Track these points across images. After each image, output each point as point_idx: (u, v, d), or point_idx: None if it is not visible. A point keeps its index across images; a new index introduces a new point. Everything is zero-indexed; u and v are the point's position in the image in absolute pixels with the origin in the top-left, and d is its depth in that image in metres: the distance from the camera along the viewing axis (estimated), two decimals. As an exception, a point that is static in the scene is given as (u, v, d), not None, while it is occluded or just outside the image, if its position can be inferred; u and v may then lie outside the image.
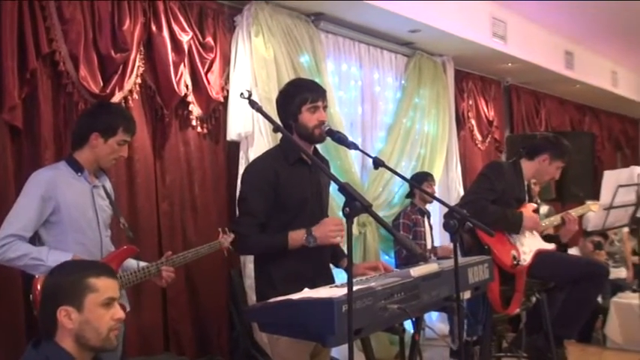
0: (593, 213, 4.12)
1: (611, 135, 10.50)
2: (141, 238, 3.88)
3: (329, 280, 2.70)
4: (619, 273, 6.28)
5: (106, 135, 2.74)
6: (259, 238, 2.62)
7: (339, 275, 2.95)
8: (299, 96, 2.64)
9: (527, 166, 3.86)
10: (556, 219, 3.93)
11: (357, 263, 2.83)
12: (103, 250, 2.79)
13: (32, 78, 3.32)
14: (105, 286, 1.96)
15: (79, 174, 2.74)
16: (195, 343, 4.17)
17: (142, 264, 2.86)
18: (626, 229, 6.41)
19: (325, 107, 2.69)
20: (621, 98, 9.26)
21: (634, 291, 5.24)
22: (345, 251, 2.84)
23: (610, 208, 3.75)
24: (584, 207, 4.20)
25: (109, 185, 2.94)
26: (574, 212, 4.04)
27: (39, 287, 2.51)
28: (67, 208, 2.65)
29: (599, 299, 5.20)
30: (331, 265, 2.86)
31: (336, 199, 4.14)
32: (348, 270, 1.83)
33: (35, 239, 2.65)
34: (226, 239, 3.23)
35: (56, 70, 3.43)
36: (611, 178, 3.72)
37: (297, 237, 2.56)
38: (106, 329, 1.94)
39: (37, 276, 2.53)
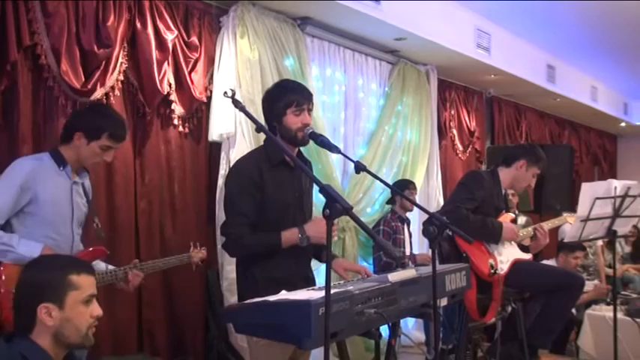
0: (569, 225, 4.16)
1: (590, 149, 10.66)
2: (118, 236, 3.85)
3: (312, 285, 2.69)
4: (592, 285, 6.34)
5: (89, 136, 2.68)
6: (253, 238, 2.59)
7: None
8: (285, 98, 2.63)
9: (505, 174, 3.90)
10: (529, 232, 3.96)
11: (343, 259, 2.81)
12: (73, 248, 2.75)
13: (12, 70, 3.27)
14: (86, 283, 1.95)
15: (62, 168, 2.69)
16: (169, 344, 4.13)
17: (110, 267, 2.83)
18: (600, 242, 6.48)
19: (311, 110, 2.68)
20: (600, 113, 9.41)
21: (608, 304, 5.29)
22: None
23: (587, 220, 3.78)
24: (561, 218, 4.25)
25: (88, 183, 2.89)
26: (550, 224, 4.09)
27: (3, 277, 2.47)
28: (44, 202, 2.61)
29: (573, 311, 5.25)
30: (318, 264, 2.84)
31: (317, 205, 4.11)
32: (327, 272, 1.82)
33: (6, 227, 2.59)
34: (196, 254, 3.23)
35: (37, 63, 3.38)
36: (588, 191, 3.75)
37: (290, 236, 2.55)
38: (85, 327, 1.94)
39: (1, 265, 2.50)
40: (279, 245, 2.55)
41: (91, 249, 2.77)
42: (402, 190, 5.24)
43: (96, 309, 1.98)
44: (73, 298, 1.91)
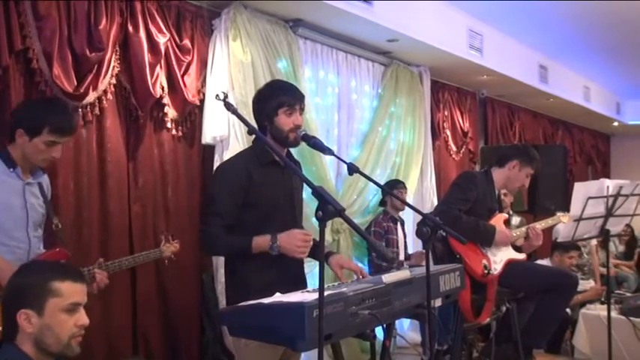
0: (562, 224, 4.18)
1: (583, 149, 10.70)
2: (112, 240, 3.83)
3: (303, 287, 2.67)
4: (587, 285, 6.36)
5: (30, 133, 2.51)
6: (226, 240, 2.58)
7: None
8: (276, 98, 2.63)
9: (498, 174, 3.91)
10: (522, 232, 3.96)
11: (340, 255, 2.80)
12: (30, 251, 2.62)
13: (4, 75, 3.26)
14: (69, 290, 1.89)
15: (12, 170, 2.55)
16: (164, 347, 4.12)
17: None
18: (594, 242, 6.50)
19: (302, 110, 2.67)
20: (593, 113, 9.44)
21: (602, 302, 5.30)
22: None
23: (580, 219, 3.79)
24: (554, 218, 4.26)
25: (46, 182, 2.76)
26: (543, 223, 4.09)
27: None
28: None
29: (568, 310, 5.26)
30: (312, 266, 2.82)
31: (310, 206, 4.12)
32: (320, 273, 1.82)
33: None
34: (167, 248, 3.18)
35: (29, 67, 3.37)
36: (581, 190, 3.77)
37: (261, 242, 2.52)
38: (67, 336, 1.88)
39: None
40: (249, 250, 2.53)
41: (53, 251, 2.65)
42: (391, 189, 5.23)
43: (81, 318, 1.91)
44: (53, 305, 1.85)
